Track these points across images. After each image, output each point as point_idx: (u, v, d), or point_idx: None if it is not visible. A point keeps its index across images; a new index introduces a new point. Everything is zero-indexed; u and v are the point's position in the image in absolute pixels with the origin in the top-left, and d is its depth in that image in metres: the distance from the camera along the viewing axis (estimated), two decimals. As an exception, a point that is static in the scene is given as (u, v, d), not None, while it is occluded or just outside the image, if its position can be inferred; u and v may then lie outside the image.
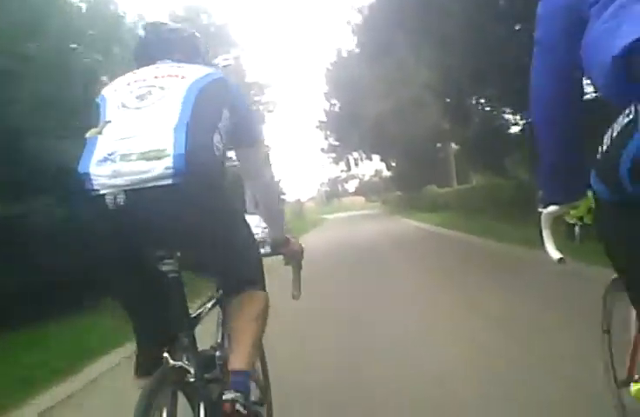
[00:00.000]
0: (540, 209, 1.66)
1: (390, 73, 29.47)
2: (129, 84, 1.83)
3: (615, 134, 1.29)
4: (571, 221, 1.64)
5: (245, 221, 1.90)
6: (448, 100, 19.52)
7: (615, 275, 1.74)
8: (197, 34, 2.17)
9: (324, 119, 40.43)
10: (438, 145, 37.83)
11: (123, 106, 1.74)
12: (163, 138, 1.62)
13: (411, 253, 11.76)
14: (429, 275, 7.92)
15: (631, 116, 1.23)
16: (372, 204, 72.87)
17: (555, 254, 1.60)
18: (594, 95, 3.56)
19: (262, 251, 2.08)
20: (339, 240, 17.91)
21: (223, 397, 1.67)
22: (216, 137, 1.73)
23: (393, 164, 44.30)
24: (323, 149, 43.24)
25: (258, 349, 2.01)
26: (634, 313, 1.74)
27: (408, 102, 30.06)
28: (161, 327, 1.77)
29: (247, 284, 1.88)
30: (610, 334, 2.05)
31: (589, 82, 1.31)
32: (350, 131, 35.59)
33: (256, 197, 2.10)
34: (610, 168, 1.28)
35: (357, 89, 32.36)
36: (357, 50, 34.32)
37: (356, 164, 43.73)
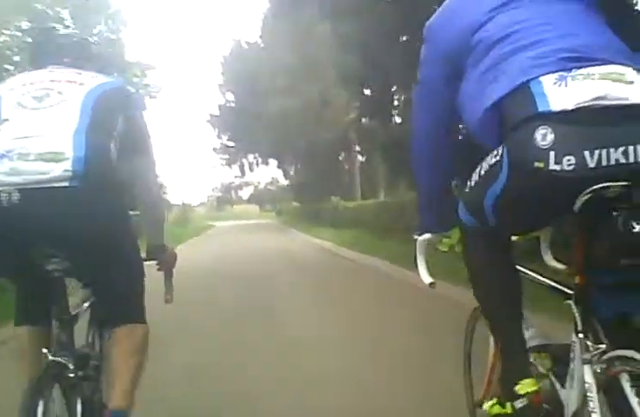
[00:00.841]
0: (415, 236, 1.87)
1: (294, 64, 25.92)
2: (24, 85, 1.87)
3: (482, 172, 1.41)
4: (443, 249, 1.85)
5: (133, 235, 1.94)
6: (367, 92, 16.11)
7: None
8: (89, 38, 2.50)
9: (217, 114, 36.10)
10: (342, 155, 34.93)
11: (20, 105, 1.78)
12: (62, 141, 1.68)
13: (314, 286, 7.96)
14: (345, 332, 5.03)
15: (498, 158, 1.34)
16: (267, 214, 70.53)
17: (426, 278, 1.84)
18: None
19: None
20: (221, 258, 13.67)
21: None
22: (113, 144, 1.82)
23: (291, 172, 40.72)
24: (215, 149, 38.96)
25: (137, 384, 1.95)
26: (492, 339, 1.89)
27: (314, 99, 26.59)
28: (39, 309, 1.84)
29: (125, 317, 1.91)
30: (469, 357, 2.23)
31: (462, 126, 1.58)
32: (245, 131, 31.48)
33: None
34: (476, 202, 1.44)
35: (256, 82, 28.36)
36: (259, 41, 30.57)
37: (251, 169, 39.80)
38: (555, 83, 1.26)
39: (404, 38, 11.98)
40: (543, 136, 1.22)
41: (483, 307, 1.68)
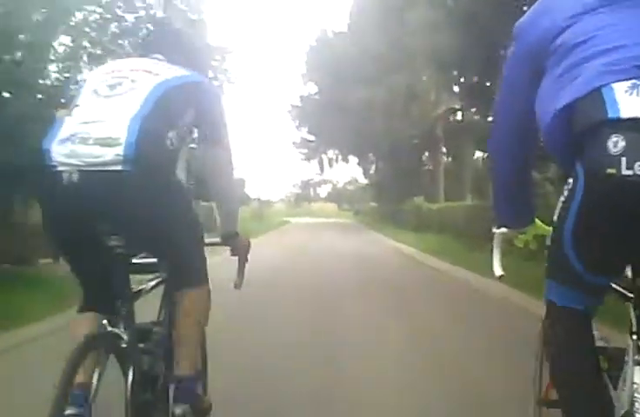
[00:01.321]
0: (494, 230, 1.91)
1: (382, 52, 24.03)
2: (106, 73, 1.98)
3: (559, 211, 1.42)
4: (519, 245, 1.88)
5: (193, 215, 2.01)
6: (462, 79, 14.10)
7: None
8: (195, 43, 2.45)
9: (299, 104, 34.63)
10: (426, 154, 32.86)
11: (95, 92, 1.89)
12: (119, 127, 1.76)
13: (400, 308, 6.07)
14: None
15: (570, 185, 1.36)
16: (344, 213, 69.23)
17: (497, 270, 1.85)
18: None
19: (213, 240, 2.22)
20: (287, 263, 11.81)
21: (175, 411, 1.86)
22: (172, 133, 1.86)
23: (371, 171, 38.86)
24: (294, 143, 37.50)
25: (201, 348, 2.14)
26: None
27: (400, 91, 24.60)
28: (104, 292, 1.90)
29: (189, 284, 1.98)
30: (542, 362, 2.11)
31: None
32: (326, 124, 29.79)
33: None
34: (562, 263, 1.44)
35: (341, 72, 26.62)
36: (347, 30, 28.81)
37: (330, 165, 38.11)
38: (627, 91, 1.27)
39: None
40: (615, 143, 1.23)
41: (559, 394, 1.59)
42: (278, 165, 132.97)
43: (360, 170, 39.75)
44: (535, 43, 1.49)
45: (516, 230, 1.85)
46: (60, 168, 1.74)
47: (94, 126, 1.77)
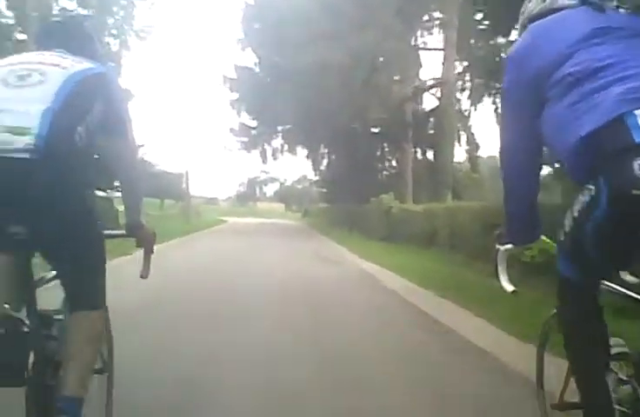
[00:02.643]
0: (498, 246, 2.00)
1: (339, 5, 18.38)
2: (13, 64, 1.99)
3: (576, 213, 1.54)
4: (525, 260, 1.99)
5: (92, 212, 2.00)
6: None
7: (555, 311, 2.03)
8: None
9: (234, 76, 27.85)
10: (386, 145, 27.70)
11: (4, 82, 1.90)
12: (31, 118, 1.78)
13: None
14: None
15: (592, 193, 1.46)
16: (292, 215, 63.75)
17: (509, 286, 1.96)
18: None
19: (117, 232, 2.29)
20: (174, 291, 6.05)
21: None
22: (81, 127, 1.88)
23: (323, 166, 33.11)
24: (233, 131, 31.18)
25: (92, 370, 2.05)
26: None
27: (364, 56, 18.97)
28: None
29: (83, 301, 1.97)
30: (542, 364, 2.33)
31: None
32: (270, 103, 23.65)
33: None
34: (576, 242, 1.57)
35: (287, 32, 20.45)
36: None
37: (275, 157, 32.00)
38: None
39: None
40: None
41: (572, 361, 1.80)
42: (225, 159, 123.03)
43: (310, 166, 33.92)
44: (537, 71, 1.60)
45: (522, 246, 1.95)
46: None
47: (3, 115, 1.78)
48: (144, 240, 2.21)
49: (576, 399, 1.84)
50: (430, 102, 38.31)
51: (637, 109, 1.37)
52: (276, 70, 22.68)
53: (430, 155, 25.79)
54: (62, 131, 1.81)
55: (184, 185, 35.11)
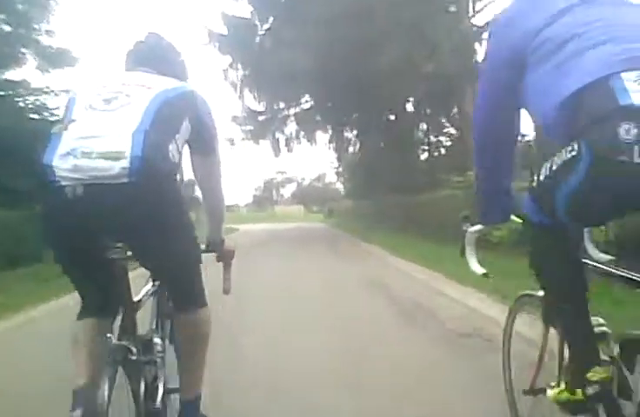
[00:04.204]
0: (465, 228, 1.96)
1: None
2: (98, 87, 1.98)
3: (555, 167, 1.43)
4: (494, 241, 2.46)
5: (190, 226, 2.03)
6: None
7: (523, 291, 2.17)
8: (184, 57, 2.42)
9: (223, 32, 20.39)
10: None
11: (90, 107, 1.90)
12: (123, 141, 1.79)
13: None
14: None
15: (574, 153, 1.35)
16: (314, 216, 58.42)
17: (479, 269, 1.93)
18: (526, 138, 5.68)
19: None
20: None
21: None
22: (172, 146, 1.90)
23: (350, 150, 27.51)
24: (235, 119, 25.40)
25: (204, 369, 2.16)
26: (542, 327, 1.99)
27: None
28: (105, 303, 2.00)
29: (187, 302, 2.08)
30: (510, 345, 2.34)
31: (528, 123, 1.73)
32: (277, 68, 17.96)
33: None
34: (546, 197, 1.48)
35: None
36: None
37: (289, 147, 26.15)
38: (635, 80, 1.30)
39: None
40: (627, 131, 1.25)
41: (549, 299, 1.81)
42: (238, 162, 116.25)
43: (332, 154, 28.21)
44: (517, 39, 1.56)
45: (491, 227, 1.94)
46: (64, 183, 1.75)
47: (95, 141, 1.79)
48: (225, 256, 2.37)
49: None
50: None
51: (624, 71, 1.32)
52: (283, 15, 16.57)
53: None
54: (156, 151, 1.81)
55: (196, 193, 30.11)
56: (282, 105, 24.37)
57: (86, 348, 1.90)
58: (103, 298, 1.96)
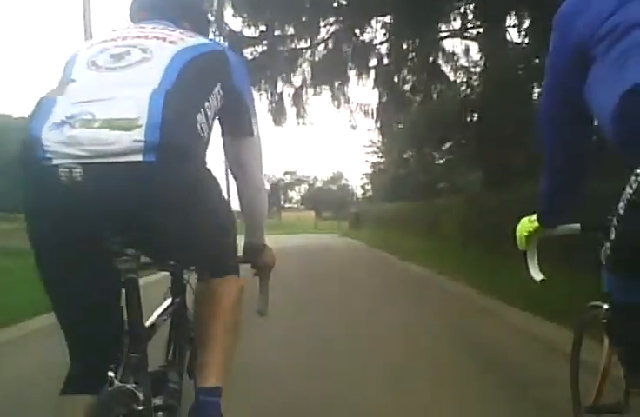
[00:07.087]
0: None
1: None
2: (104, 41, 1.56)
3: (621, 212, 1.24)
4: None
5: (229, 212, 1.67)
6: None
7: (590, 303, 1.90)
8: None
9: None
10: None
11: (94, 64, 1.48)
12: (137, 105, 1.35)
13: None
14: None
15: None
16: (326, 225, 48.06)
17: (537, 275, 1.73)
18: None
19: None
20: None
21: None
22: (200, 116, 1.45)
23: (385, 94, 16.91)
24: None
25: (232, 357, 1.70)
26: (606, 341, 1.82)
27: None
28: (104, 336, 1.46)
29: (220, 272, 1.69)
30: (578, 359, 2.13)
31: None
32: None
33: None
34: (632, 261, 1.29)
35: None
36: None
37: (297, 106, 15.19)
38: None
39: None
40: None
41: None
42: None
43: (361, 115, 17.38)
44: (580, 32, 1.44)
45: (558, 231, 1.76)
46: (56, 162, 1.29)
47: (99, 105, 1.34)
48: (263, 267, 1.89)
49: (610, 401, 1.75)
50: None
51: None
52: None
53: None
54: (180, 117, 1.36)
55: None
56: (290, 30, 13.97)
57: None
58: (103, 346, 1.41)
